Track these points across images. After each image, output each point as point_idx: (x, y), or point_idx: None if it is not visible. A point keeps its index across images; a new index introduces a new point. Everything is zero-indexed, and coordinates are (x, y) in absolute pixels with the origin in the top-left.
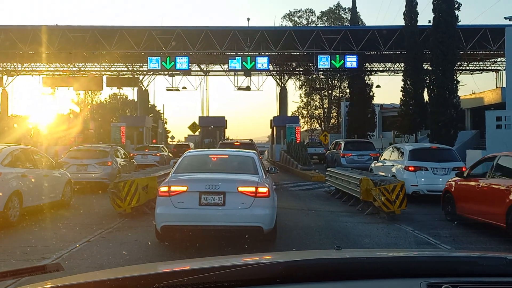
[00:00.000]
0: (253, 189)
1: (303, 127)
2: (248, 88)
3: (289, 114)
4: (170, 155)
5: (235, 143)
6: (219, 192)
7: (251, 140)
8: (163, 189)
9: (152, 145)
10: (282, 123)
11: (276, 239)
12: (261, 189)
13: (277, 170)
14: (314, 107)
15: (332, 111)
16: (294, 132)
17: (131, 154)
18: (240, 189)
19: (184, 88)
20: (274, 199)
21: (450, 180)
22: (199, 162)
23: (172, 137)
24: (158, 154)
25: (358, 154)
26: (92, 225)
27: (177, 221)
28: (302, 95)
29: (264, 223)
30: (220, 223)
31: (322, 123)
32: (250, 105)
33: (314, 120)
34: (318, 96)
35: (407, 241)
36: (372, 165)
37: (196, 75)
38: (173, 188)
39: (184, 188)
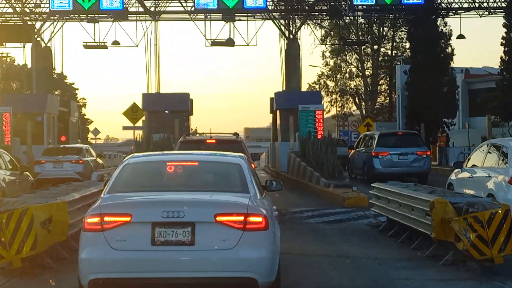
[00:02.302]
0: (240, 217)
1: (328, 111)
2: (230, 43)
3: (304, 87)
4: (101, 161)
5: (208, 141)
6: (184, 222)
7: (236, 134)
8: (92, 219)
9: (71, 145)
10: (292, 103)
11: None
12: (253, 218)
13: (281, 186)
14: (347, 76)
15: (380, 82)
16: (313, 119)
17: (33, 162)
18: (220, 217)
19: (115, 43)
20: (275, 234)
21: None
22: (149, 174)
23: (96, 131)
24: (80, 161)
25: (399, 153)
26: None
27: (116, 272)
28: (327, 55)
29: (259, 273)
30: (186, 273)
31: (363, 104)
32: (234, 74)
33: (347, 99)
34: (355, 56)
35: None
36: (453, 176)
37: (137, 20)
38: (108, 218)
39: (127, 218)
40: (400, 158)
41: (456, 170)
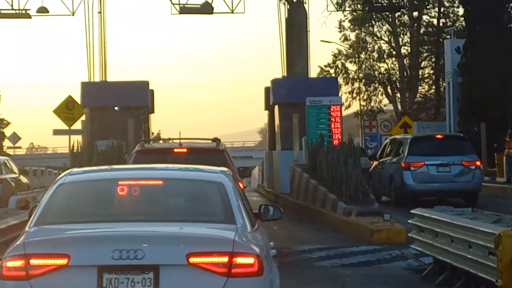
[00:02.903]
0: (223, 258)
1: (349, 106)
2: (207, 9)
3: (313, 72)
4: (25, 180)
5: (176, 150)
6: (144, 266)
7: (216, 140)
8: (13, 262)
9: None
10: (296, 95)
11: None
12: (241, 259)
13: (280, 214)
14: (375, 55)
15: (423, 65)
16: (327, 118)
17: None
18: (194, 258)
19: (42, 11)
20: (272, 281)
21: None
22: (94, 198)
23: (15, 137)
24: None
25: (438, 163)
26: None
27: None
28: (346, 25)
29: None
30: None
31: (398, 96)
32: (213, 54)
33: (376, 88)
34: (386, 27)
35: None
36: None
37: None
38: (36, 261)
39: (63, 260)
40: (440, 171)
41: None
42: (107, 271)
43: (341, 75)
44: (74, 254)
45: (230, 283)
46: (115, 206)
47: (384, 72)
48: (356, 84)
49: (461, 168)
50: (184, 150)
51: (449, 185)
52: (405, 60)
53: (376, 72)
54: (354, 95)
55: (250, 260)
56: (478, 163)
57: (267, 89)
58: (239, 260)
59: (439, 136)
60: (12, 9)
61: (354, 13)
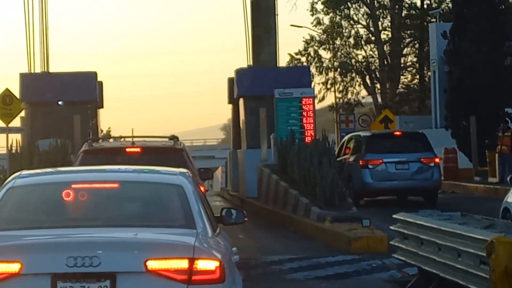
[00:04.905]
0: (183, 263)
1: (323, 98)
2: None
3: (283, 61)
4: None
5: (128, 149)
6: (100, 274)
7: (174, 138)
8: None
9: None
10: (263, 87)
11: None
12: (202, 264)
13: (244, 217)
14: (352, 42)
15: (405, 51)
16: (299, 112)
17: None
18: (153, 263)
19: None
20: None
21: None
22: (45, 202)
23: None
24: None
25: (396, 161)
26: None
27: None
28: (319, 8)
29: None
30: None
31: (378, 86)
32: (169, 40)
33: (353, 78)
34: (364, 9)
35: None
36: (510, 198)
37: None
38: None
39: (15, 268)
40: (398, 168)
41: None
42: (61, 279)
43: (313, 63)
44: (26, 262)
45: None
46: (69, 211)
47: (362, 60)
48: (331, 74)
49: (420, 166)
50: (138, 149)
51: (408, 182)
52: (385, 46)
53: (353, 60)
54: (329, 86)
55: (211, 265)
56: (437, 160)
57: (230, 80)
58: (200, 265)
59: (397, 133)
60: None
61: None
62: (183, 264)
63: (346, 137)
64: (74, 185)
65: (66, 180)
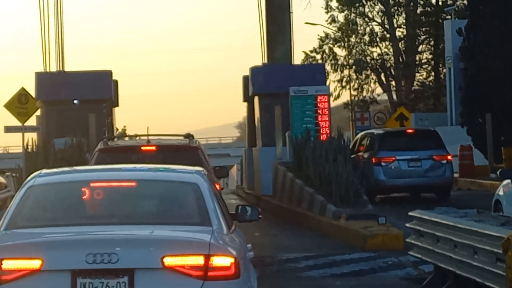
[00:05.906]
0: (199, 259)
1: (338, 96)
2: None
3: (298, 58)
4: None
5: (144, 148)
6: (118, 270)
7: (189, 136)
8: None
9: None
10: (278, 85)
11: None
12: (218, 261)
13: (258, 214)
14: (367, 39)
15: (420, 49)
16: (314, 109)
17: None
18: (169, 260)
19: None
20: (250, 284)
21: None
22: (65, 201)
23: None
24: None
25: (409, 158)
26: None
27: None
28: (333, 5)
29: None
30: None
31: (393, 84)
32: (185, 39)
33: (368, 76)
34: (379, 7)
35: None
36: (501, 191)
37: None
38: (8, 265)
39: (36, 264)
40: (411, 166)
41: (506, 182)
42: (81, 275)
43: (328, 61)
44: (47, 258)
45: (206, 286)
46: (87, 209)
47: (377, 58)
48: (346, 72)
49: (432, 163)
50: (153, 148)
51: (420, 179)
52: (400, 44)
53: (368, 58)
54: (344, 83)
55: (226, 261)
56: (449, 157)
57: (245, 78)
58: (216, 263)
59: (410, 131)
60: None
61: None
62: (199, 260)
63: (359, 135)
64: (93, 183)
65: (85, 179)
